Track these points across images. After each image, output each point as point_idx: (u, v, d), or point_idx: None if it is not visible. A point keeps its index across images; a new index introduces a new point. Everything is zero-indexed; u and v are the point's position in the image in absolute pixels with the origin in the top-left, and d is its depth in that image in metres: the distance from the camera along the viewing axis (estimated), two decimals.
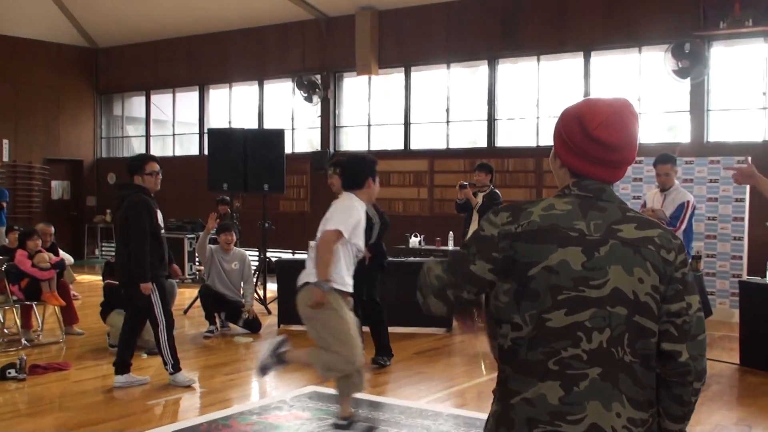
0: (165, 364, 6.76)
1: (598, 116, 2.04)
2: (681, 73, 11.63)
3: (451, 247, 12.18)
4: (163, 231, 6.78)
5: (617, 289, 1.94)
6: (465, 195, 10.20)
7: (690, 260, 7.43)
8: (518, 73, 14.13)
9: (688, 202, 7.56)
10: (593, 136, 2.03)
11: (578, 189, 2.07)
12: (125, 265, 6.74)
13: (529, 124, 13.98)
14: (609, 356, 1.93)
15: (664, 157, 7.86)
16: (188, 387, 6.77)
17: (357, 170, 5.45)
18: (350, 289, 5.38)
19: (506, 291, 2.01)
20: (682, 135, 12.36)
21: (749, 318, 7.77)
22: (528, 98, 13.83)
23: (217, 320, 9.47)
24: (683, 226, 7.38)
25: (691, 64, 11.51)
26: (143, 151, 18.98)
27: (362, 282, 6.79)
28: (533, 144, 13.80)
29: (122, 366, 6.79)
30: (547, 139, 13.72)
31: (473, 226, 10.21)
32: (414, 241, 12.76)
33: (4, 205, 14.02)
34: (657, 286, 1.96)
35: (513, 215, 2.05)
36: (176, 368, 6.77)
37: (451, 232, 12.26)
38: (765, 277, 8.05)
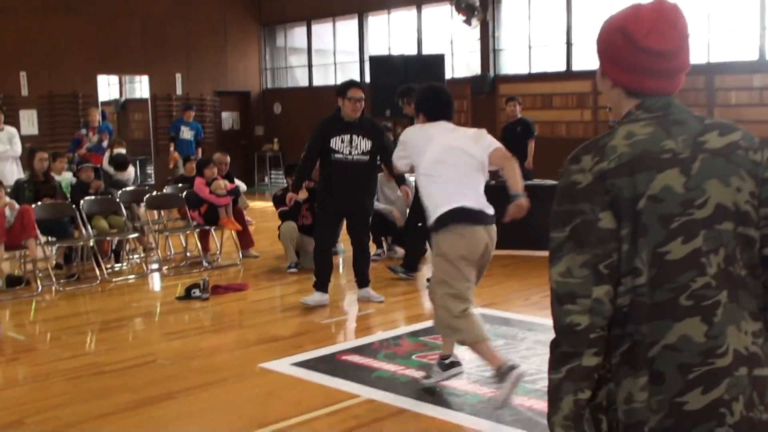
0: None
1: (646, 23, 1.84)
2: None
3: None
4: (341, 155, 6.81)
5: (720, 205, 1.78)
6: (615, 117, 9.94)
7: None
8: None
9: None
10: (644, 47, 1.84)
11: (644, 111, 1.87)
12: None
13: (698, 40, 13.28)
14: (729, 276, 1.79)
15: None
16: (318, 306, 7.05)
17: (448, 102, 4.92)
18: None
19: (625, 236, 1.79)
20: None
21: None
22: (697, 12, 13.12)
23: (384, 244, 9.69)
24: None
25: None
26: (306, 81, 19.40)
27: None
28: (704, 60, 13.14)
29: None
30: (719, 55, 13.04)
31: None
32: None
33: (200, 140, 14.93)
34: (753, 191, 1.81)
35: (597, 153, 1.83)
36: (315, 286, 7.13)
37: None
38: None
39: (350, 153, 6.82)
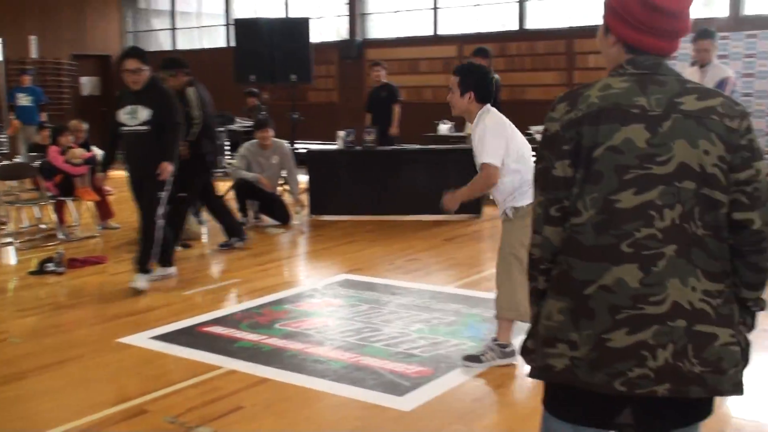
0: None
1: None
2: None
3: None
4: (126, 128, 6.53)
5: (683, 164, 1.90)
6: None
7: None
8: None
9: (728, 77, 7.42)
10: (655, 5, 1.96)
11: (633, 67, 2.01)
12: None
13: (560, 5, 13.61)
14: (682, 232, 1.90)
15: (704, 32, 7.65)
16: (173, 278, 6.94)
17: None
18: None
19: (577, 181, 1.96)
20: (719, 9, 11.98)
21: None
22: None
23: (250, 212, 9.56)
24: None
25: None
26: (170, 45, 18.85)
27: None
28: (565, 25, 13.48)
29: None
30: (579, 20, 13.39)
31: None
32: (443, 128, 12.65)
33: (43, 105, 14.16)
34: (723, 156, 1.91)
35: (570, 103, 1.99)
36: (158, 261, 6.96)
37: None
38: None
39: (131, 124, 6.54)
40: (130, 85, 6.56)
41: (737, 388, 1.96)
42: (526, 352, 2.10)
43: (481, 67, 4.89)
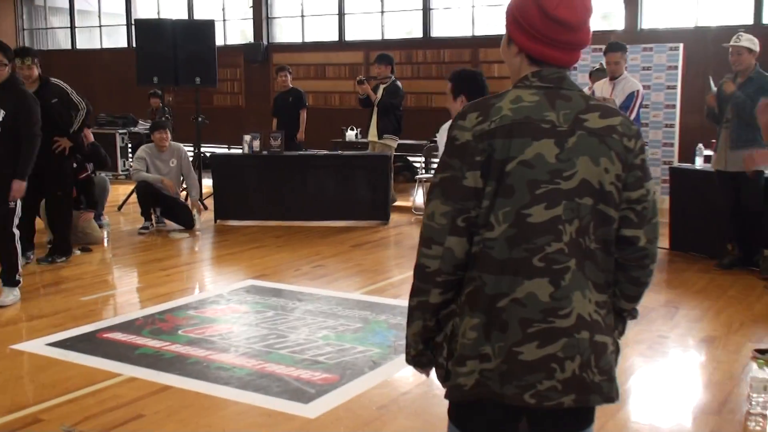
0: None
1: None
2: None
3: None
4: None
5: (585, 180, 1.93)
6: (364, 90, 10.12)
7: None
8: None
9: (638, 91, 7.68)
10: (554, 17, 1.96)
11: (539, 80, 2.01)
12: None
13: (465, 14, 13.80)
14: (578, 246, 1.93)
15: (614, 45, 7.87)
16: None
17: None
18: None
19: (487, 194, 1.94)
20: (617, 22, 12.35)
21: (679, 203, 7.93)
22: None
23: (153, 216, 9.35)
24: (632, 116, 7.48)
25: None
26: (68, 44, 18.33)
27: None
28: (469, 34, 13.65)
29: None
30: (484, 29, 13.60)
31: (374, 121, 10.16)
32: (350, 134, 12.67)
33: None
34: (620, 174, 1.97)
35: (482, 113, 1.97)
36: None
37: None
38: (694, 163, 8.20)
39: None
40: None
41: (618, 395, 2.03)
42: (443, 374, 2.06)
43: (473, 70, 5.08)
